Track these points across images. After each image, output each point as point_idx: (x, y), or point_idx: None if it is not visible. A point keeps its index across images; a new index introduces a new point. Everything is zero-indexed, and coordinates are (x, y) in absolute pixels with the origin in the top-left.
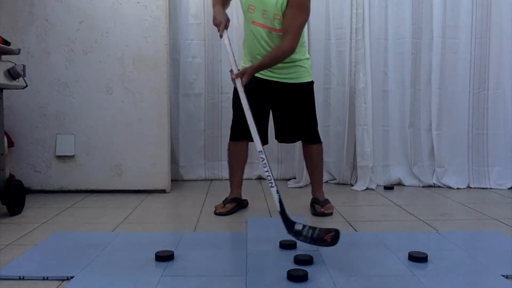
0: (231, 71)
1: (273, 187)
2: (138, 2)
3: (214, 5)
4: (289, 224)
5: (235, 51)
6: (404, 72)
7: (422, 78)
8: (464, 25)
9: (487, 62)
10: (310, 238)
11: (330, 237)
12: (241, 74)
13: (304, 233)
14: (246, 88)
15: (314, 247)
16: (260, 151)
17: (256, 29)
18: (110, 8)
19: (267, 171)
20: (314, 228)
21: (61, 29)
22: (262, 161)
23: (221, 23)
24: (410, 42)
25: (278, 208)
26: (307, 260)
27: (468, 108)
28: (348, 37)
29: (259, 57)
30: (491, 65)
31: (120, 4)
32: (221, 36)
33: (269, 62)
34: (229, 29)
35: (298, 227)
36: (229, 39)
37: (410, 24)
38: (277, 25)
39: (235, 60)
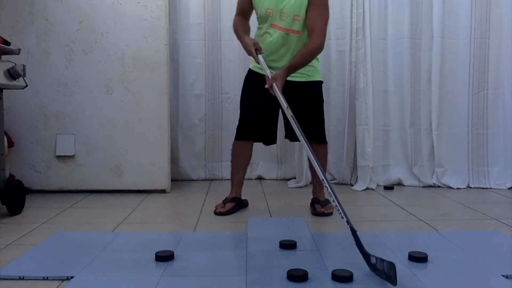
0: (268, 78)
1: (343, 218)
2: (138, 2)
3: (240, 37)
4: (367, 256)
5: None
6: (403, 72)
7: (422, 78)
8: (464, 26)
9: (487, 62)
10: (385, 274)
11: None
12: (273, 80)
13: (379, 267)
14: (255, 86)
15: (314, 247)
16: (323, 179)
17: (273, 31)
18: (110, 8)
19: (334, 201)
20: (383, 261)
21: (61, 29)
22: (328, 191)
23: (252, 52)
24: (409, 42)
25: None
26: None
27: (468, 108)
28: (348, 37)
29: (274, 59)
30: (491, 65)
31: (120, 4)
32: (257, 62)
33: (301, 62)
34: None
35: (373, 260)
36: (263, 59)
37: (410, 24)
38: (296, 27)
39: (270, 73)
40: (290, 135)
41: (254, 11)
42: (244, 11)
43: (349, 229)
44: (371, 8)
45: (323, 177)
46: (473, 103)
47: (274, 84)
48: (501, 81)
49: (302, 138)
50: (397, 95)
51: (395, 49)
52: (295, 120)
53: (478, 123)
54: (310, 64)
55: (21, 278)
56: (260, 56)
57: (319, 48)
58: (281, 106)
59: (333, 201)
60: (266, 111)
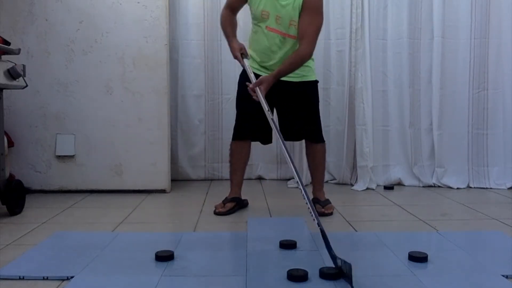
0: (249, 86)
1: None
2: (138, 2)
3: (227, 38)
4: (334, 259)
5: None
6: (403, 72)
7: (422, 78)
8: (464, 25)
9: (487, 62)
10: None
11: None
12: (259, 83)
13: (342, 268)
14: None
15: (314, 247)
16: (297, 182)
17: (270, 35)
18: (110, 8)
19: (306, 203)
20: (345, 263)
21: (61, 29)
22: (302, 193)
23: (237, 57)
24: (409, 42)
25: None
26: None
27: (468, 108)
28: (348, 37)
29: (267, 60)
30: (491, 65)
31: (120, 4)
32: (243, 66)
33: (290, 68)
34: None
35: (339, 262)
36: (248, 64)
37: (409, 24)
38: (292, 32)
39: (255, 78)
40: (285, 134)
41: (248, 8)
42: (233, 6)
43: (319, 230)
44: (370, 8)
45: (298, 179)
46: (473, 103)
47: (257, 88)
48: (501, 80)
49: (281, 140)
50: (397, 95)
51: (395, 49)
52: (275, 123)
53: (478, 123)
54: (305, 64)
55: (21, 278)
56: (245, 61)
57: (309, 55)
58: (283, 105)
59: (306, 203)
60: (260, 111)
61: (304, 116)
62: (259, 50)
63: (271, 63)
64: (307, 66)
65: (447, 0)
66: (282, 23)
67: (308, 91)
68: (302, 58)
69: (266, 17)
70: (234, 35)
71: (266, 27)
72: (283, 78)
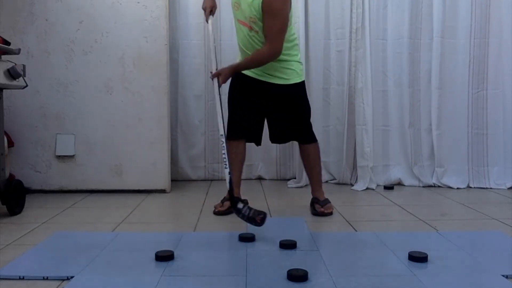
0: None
1: (226, 168)
2: (138, 2)
3: None
4: (234, 201)
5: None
6: (403, 72)
7: (422, 78)
8: (463, 26)
9: (486, 62)
10: (246, 217)
11: (260, 219)
12: (217, 74)
13: (243, 211)
14: (239, 87)
15: (314, 247)
16: (221, 135)
17: (239, 27)
18: (110, 8)
19: (224, 153)
20: (251, 209)
21: (61, 29)
22: (221, 144)
23: (206, 9)
24: (409, 42)
25: (228, 187)
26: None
27: (468, 108)
28: (348, 37)
29: (248, 53)
30: (490, 65)
31: (120, 4)
32: (207, 21)
33: (247, 65)
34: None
35: (240, 205)
36: (212, 26)
37: (410, 24)
38: (254, 26)
39: (215, 57)
40: (272, 137)
41: None
42: None
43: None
44: (370, 8)
45: (222, 133)
46: (472, 103)
47: (215, 79)
48: (500, 81)
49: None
50: (396, 95)
51: (395, 49)
52: (221, 101)
53: (478, 122)
54: (286, 66)
55: (21, 278)
56: (210, 18)
57: (269, 56)
58: (273, 107)
59: (223, 153)
60: (249, 112)
61: (290, 118)
62: (239, 42)
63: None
64: (289, 68)
65: (447, 0)
66: (245, 16)
67: (293, 93)
68: (261, 57)
69: (237, 9)
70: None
71: (238, 19)
72: (267, 80)
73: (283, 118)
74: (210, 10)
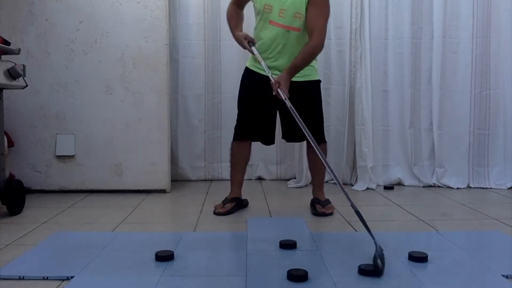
0: (272, 83)
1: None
2: (138, 2)
3: (231, 30)
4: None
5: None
6: (403, 72)
7: (423, 78)
8: (465, 25)
9: (488, 62)
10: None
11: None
12: (277, 84)
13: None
14: (252, 86)
15: (314, 247)
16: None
17: (273, 29)
18: (110, 8)
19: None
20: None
21: (61, 29)
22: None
23: (245, 46)
24: (410, 42)
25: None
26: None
27: (470, 108)
28: (348, 36)
29: (270, 56)
30: (492, 65)
31: (120, 4)
32: (252, 53)
33: (303, 62)
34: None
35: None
36: (258, 52)
37: (411, 24)
38: (297, 24)
39: (269, 70)
40: (287, 136)
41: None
42: (239, 1)
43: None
44: (370, 8)
45: (333, 175)
46: (475, 102)
47: (279, 89)
48: (502, 80)
49: (310, 138)
50: (397, 95)
51: (396, 49)
52: (301, 120)
53: (480, 123)
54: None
55: (21, 278)
56: (254, 48)
57: (320, 46)
58: (286, 106)
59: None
60: (263, 110)
61: (308, 116)
62: (262, 45)
63: (272, 59)
64: (310, 65)
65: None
66: (286, 15)
67: (312, 91)
68: (315, 49)
69: (269, 11)
70: (239, 26)
71: (270, 21)
72: None
73: (302, 115)
74: (247, 42)
